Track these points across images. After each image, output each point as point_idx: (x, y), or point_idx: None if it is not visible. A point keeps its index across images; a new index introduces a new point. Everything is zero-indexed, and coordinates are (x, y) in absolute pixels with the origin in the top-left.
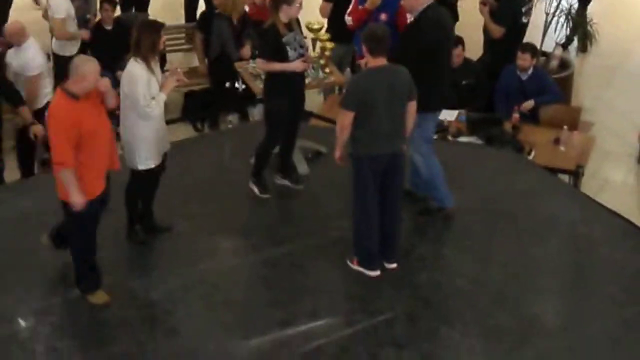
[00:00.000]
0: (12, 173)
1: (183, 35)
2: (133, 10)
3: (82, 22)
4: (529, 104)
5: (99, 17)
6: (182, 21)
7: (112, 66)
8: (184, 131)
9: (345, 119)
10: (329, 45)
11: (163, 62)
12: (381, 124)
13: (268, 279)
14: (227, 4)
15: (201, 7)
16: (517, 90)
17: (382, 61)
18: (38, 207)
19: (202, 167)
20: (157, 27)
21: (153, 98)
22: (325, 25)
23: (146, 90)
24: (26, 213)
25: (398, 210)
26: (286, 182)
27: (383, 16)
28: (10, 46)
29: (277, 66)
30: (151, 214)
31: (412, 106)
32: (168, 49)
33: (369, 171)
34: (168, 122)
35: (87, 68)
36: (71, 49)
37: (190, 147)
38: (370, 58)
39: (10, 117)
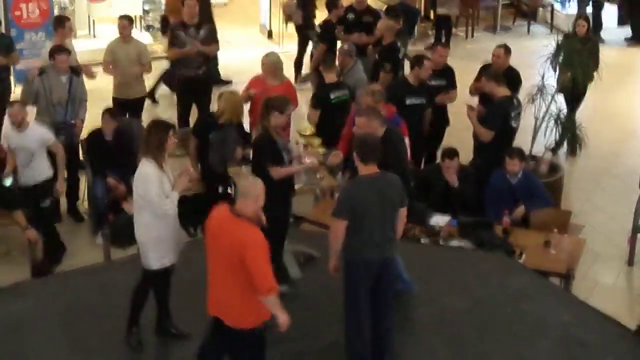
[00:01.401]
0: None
1: (176, 141)
2: (127, 116)
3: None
4: (520, 211)
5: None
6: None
7: (120, 175)
8: None
9: (338, 228)
10: (321, 150)
11: None
12: (373, 231)
13: None
14: (234, 112)
15: (193, 114)
16: (507, 194)
17: (373, 169)
18: (30, 312)
19: (194, 272)
20: (165, 127)
21: (167, 197)
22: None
23: (159, 189)
24: (18, 318)
25: (390, 313)
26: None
27: None
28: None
29: (293, 169)
30: (167, 316)
31: (403, 212)
32: None
33: (361, 276)
34: None
35: (260, 188)
36: None
37: (183, 253)
38: (362, 166)
39: (5, 223)
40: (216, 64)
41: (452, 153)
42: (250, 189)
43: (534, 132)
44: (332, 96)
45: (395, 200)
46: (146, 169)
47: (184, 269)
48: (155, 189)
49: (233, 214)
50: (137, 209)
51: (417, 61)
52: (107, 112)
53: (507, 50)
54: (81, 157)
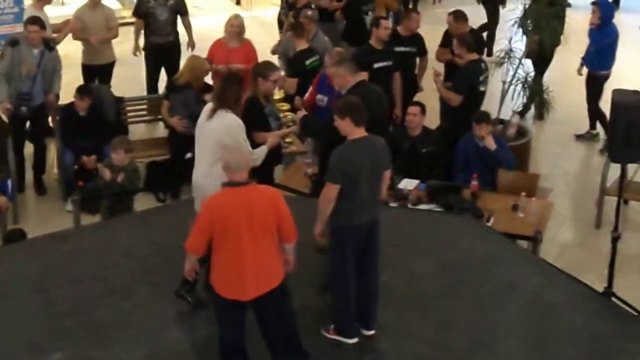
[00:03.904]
0: None
1: (145, 106)
2: (96, 83)
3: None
4: (490, 141)
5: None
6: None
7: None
8: (147, 201)
9: (331, 192)
10: (290, 115)
11: (125, 133)
12: (363, 195)
13: None
14: (192, 74)
15: (162, 79)
16: (476, 157)
17: (362, 132)
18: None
19: (165, 236)
20: (241, 80)
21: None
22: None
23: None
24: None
25: (376, 275)
26: None
27: (324, 100)
28: None
29: (274, 134)
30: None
31: (388, 174)
32: (130, 120)
33: (350, 241)
34: (130, 192)
35: (247, 152)
36: None
37: (152, 217)
38: (354, 129)
39: None
40: None
41: (486, 117)
42: (230, 160)
43: (502, 96)
44: (306, 62)
45: (384, 162)
46: (233, 119)
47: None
48: (244, 138)
49: (241, 186)
50: (214, 160)
51: (374, 22)
52: (79, 90)
53: (457, 16)
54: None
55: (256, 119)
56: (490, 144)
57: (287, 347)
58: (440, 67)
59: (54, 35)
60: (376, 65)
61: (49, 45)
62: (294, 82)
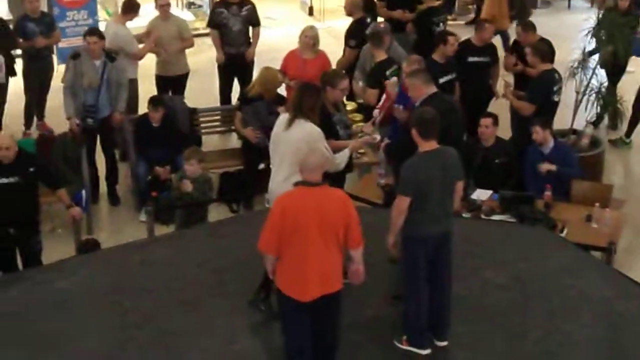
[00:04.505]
0: (50, 253)
1: (218, 117)
2: (170, 94)
3: None
4: (548, 166)
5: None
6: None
7: (166, 155)
8: (220, 212)
9: (402, 204)
10: (361, 124)
11: (199, 144)
12: (434, 206)
13: None
14: (263, 86)
15: (235, 90)
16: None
17: (433, 144)
18: (75, 289)
19: (238, 247)
20: (318, 90)
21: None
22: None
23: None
24: (63, 295)
25: (448, 286)
26: None
27: (400, 109)
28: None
29: (347, 143)
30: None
31: (460, 185)
32: (203, 131)
33: (421, 251)
34: (203, 203)
35: (319, 155)
36: None
37: (226, 228)
38: (422, 142)
39: (50, 201)
40: None
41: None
42: (309, 160)
43: (575, 107)
44: (387, 73)
45: (455, 174)
46: (313, 128)
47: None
48: (325, 146)
49: (314, 186)
50: (294, 170)
51: (441, 39)
52: (152, 101)
53: (525, 27)
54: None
55: (324, 127)
56: (549, 168)
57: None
58: (509, 77)
59: (140, 46)
60: (442, 80)
61: (111, 56)
62: (375, 92)
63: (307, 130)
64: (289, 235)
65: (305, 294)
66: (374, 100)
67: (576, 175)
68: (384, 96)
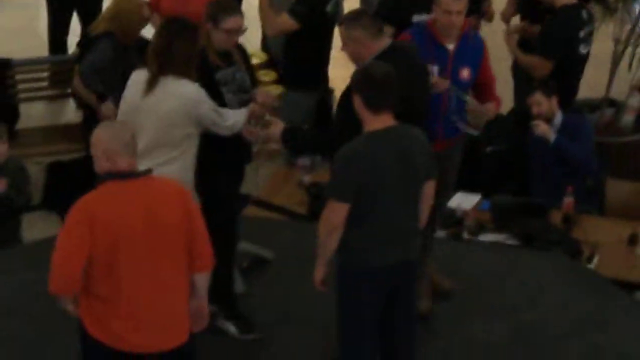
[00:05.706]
0: None
1: (46, 74)
2: None
3: None
4: (545, 127)
5: None
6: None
7: None
8: (46, 226)
9: (336, 216)
10: (275, 89)
11: (12, 117)
12: (391, 219)
13: None
14: (113, 21)
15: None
16: (551, 152)
17: (387, 120)
18: None
19: None
20: (194, 29)
21: None
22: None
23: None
24: None
25: (410, 343)
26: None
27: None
28: None
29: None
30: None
31: (430, 187)
32: (22, 95)
33: (368, 292)
34: (17, 210)
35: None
36: None
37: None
38: (369, 116)
39: None
40: None
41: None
42: (124, 138)
43: (613, 63)
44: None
45: (423, 169)
46: (189, 87)
47: None
48: (211, 105)
49: (134, 178)
50: (170, 154)
51: None
52: None
53: None
54: None
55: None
56: (544, 130)
57: None
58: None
59: None
60: (416, 20)
61: None
62: (293, 24)
63: (183, 93)
64: (102, 257)
65: (131, 342)
66: (282, 28)
67: (581, 158)
68: None
